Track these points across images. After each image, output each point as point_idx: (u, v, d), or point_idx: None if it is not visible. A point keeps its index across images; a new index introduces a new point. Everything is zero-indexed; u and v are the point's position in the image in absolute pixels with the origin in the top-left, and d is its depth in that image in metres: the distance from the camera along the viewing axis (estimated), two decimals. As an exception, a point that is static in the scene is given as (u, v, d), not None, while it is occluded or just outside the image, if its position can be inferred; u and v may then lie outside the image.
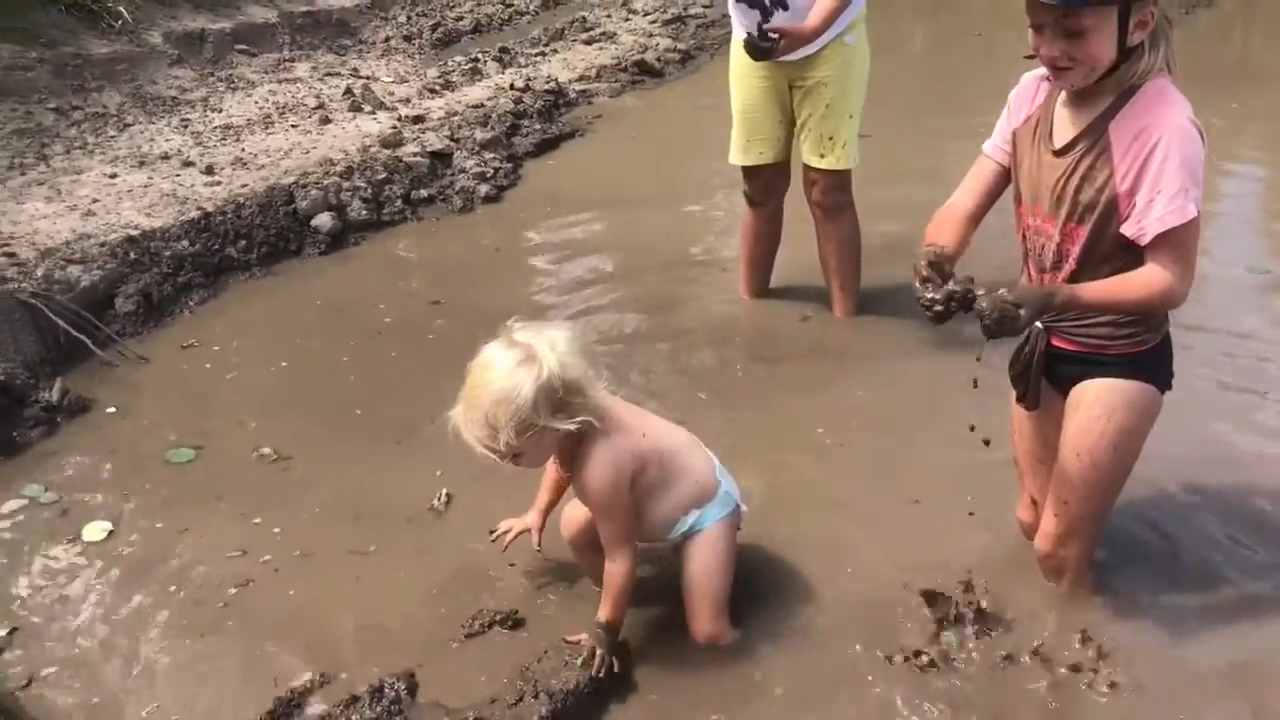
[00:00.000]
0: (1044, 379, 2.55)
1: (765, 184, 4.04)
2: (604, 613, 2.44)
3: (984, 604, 2.55)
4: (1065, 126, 2.33)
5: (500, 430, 2.25)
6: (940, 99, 6.80)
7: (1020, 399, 2.61)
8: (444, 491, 3.04)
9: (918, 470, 3.14)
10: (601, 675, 2.40)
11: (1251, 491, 3.04)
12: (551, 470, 2.66)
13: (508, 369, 2.26)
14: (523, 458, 2.36)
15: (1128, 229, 2.23)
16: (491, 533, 2.77)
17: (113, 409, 3.60)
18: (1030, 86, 2.45)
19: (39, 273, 3.94)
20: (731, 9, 3.80)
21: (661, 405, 3.38)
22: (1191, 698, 2.37)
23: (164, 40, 6.23)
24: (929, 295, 2.17)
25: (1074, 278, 2.35)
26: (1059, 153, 2.33)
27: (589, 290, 4.40)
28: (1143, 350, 2.39)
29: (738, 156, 4.01)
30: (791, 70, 3.75)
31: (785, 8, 3.62)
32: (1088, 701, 2.37)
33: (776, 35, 3.49)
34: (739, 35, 3.76)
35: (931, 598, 2.59)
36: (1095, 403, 2.42)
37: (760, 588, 2.69)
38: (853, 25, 3.72)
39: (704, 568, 2.52)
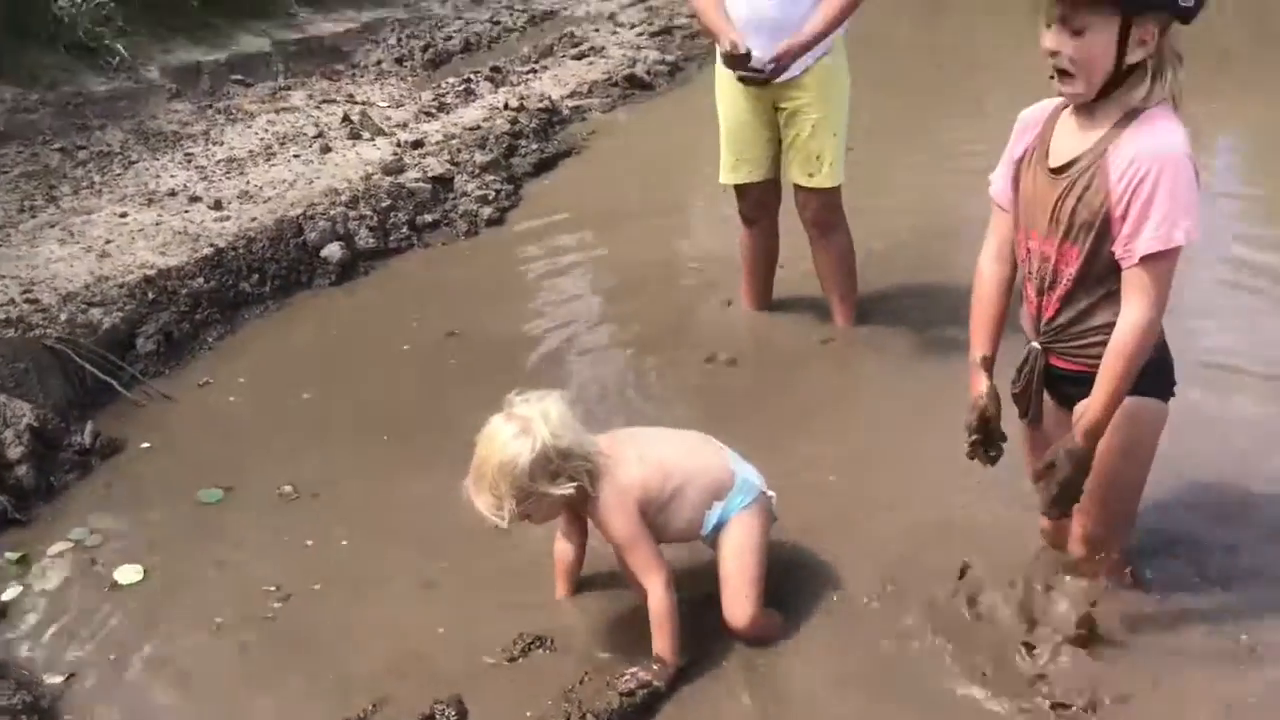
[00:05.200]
0: (1051, 396, 2.67)
1: (756, 201, 4.15)
2: (658, 647, 2.57)
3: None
4: (1065, 147, 2.45)
5: (504, 499, 2.46)
6: (916, 111, 6.93)
7: (1023, 416, 2.74)
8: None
9: (928, 468, 3.26)
10: (640, 698, 2.53)
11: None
12: (561, 561, 2.84)
13: (505, 442, 2.47)
14: (531, 518, 2.56)
15: (1116, 249, 2.35)
16: None
17: (145, 445, 3.70)
18: (1031, 118, 2.56)
19: (63, 317, 4.04)
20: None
21: (668, 423, 3.51)
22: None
23: (161, 75, 6.32)
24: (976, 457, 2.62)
25: (1069, 297, 2.48)
26: (1057, 171, 2.44)
27: (595, 311, 4.52)
28: (1144, 363, 2.51)
29: (727, 176, 4.12)
30: (776, 92, 3.85)
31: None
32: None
33: (769, 64, 3.60)
34: (723, 73, 3.88)
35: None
36: (1098, 421, 2.53)
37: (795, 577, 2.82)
38: (834, 47, 3.83)
39: (734, 552, 2.66)
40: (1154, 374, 2.52)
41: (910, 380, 3.83)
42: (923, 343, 4.03)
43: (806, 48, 3.66)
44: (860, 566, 2.89)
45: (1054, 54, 2.33)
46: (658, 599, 2.56)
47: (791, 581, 2.83)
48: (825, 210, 4.02)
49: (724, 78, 3.93)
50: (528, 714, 2.51)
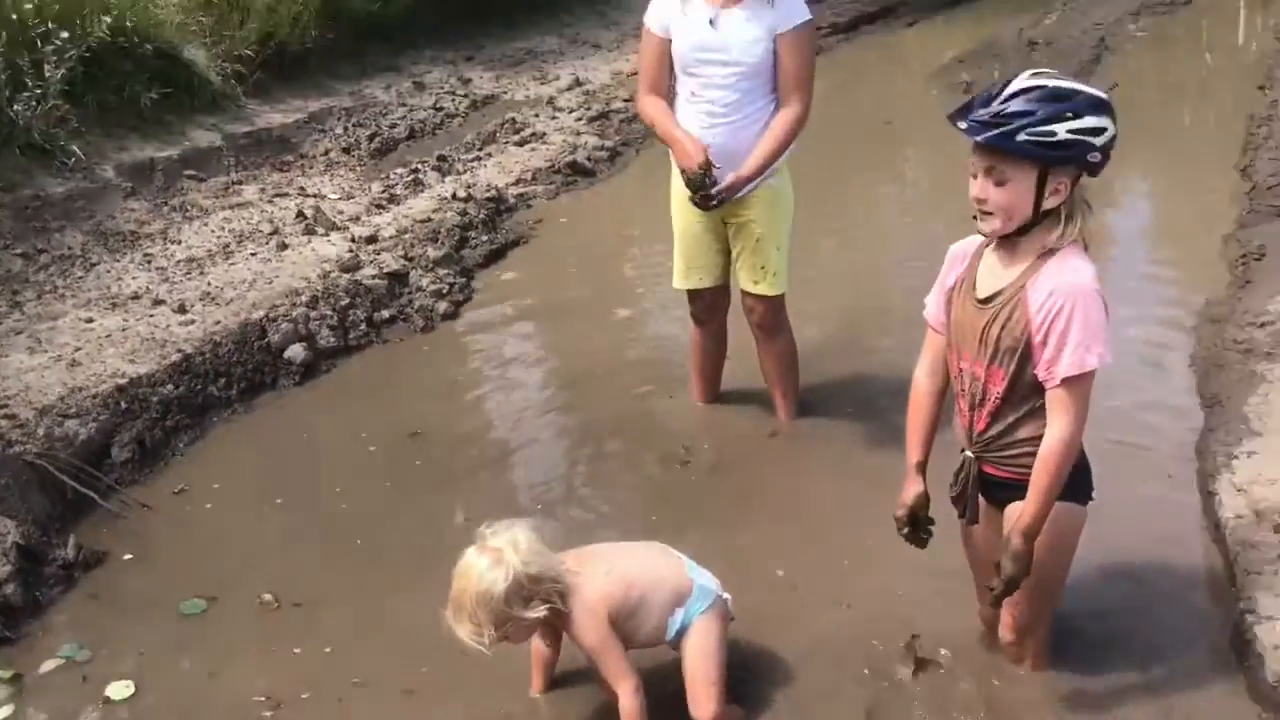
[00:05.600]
0: (985, 499, 2.98)
1: (707, 304, 4.43)
2: None
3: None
4: (990, 280, 2.78)
5: (484, 626, 2.70)
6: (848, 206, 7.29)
7: (961, 517, 3.05)
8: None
9: (872, 555, 3.55)
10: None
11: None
12: (537, 655, 3.08)
13: (480, 574, 2.71)
14: (510, 639, 2.80)
15: (1039, 372, 2.67)
16: None
17: (127, 557, 3.86)
18: (959, 251, 2.90)
19: (40, 431, 4.19)
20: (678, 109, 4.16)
21: (628, 520, 3.87)
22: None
23: (116, 173, 6.47)
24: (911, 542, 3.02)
25: (997, 412, 2.80)
26: (983, 301, 2.77)
27: (550, 407, 4.76)
28: (1060, 471, 2.82)
29: (680, 281, 4.40)
30: (725, 208, 4.13)
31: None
32: None
33: (719, 192, 3.90)
34: (677, 173, 4.17)
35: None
36: (1024, 523, 2.84)
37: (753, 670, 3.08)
38: (779, 170, 4.13)
39: (696, 654, 2.91)
40: (1077, 481, 2.84)
41: (851, 472, 4.11)
42: (861, 434, 4.33)
43: (751, 180, 3.96)
44: (812, 656, 3.17)
45: (980, 200, 2.67)
46: (627, 703, 2.81)
47: (750, 676, 3.09)
48: (770, 314, 4.31)
49: (678, 190, 4.22)
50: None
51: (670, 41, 4.00)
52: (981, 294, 2.79)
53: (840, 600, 3.41)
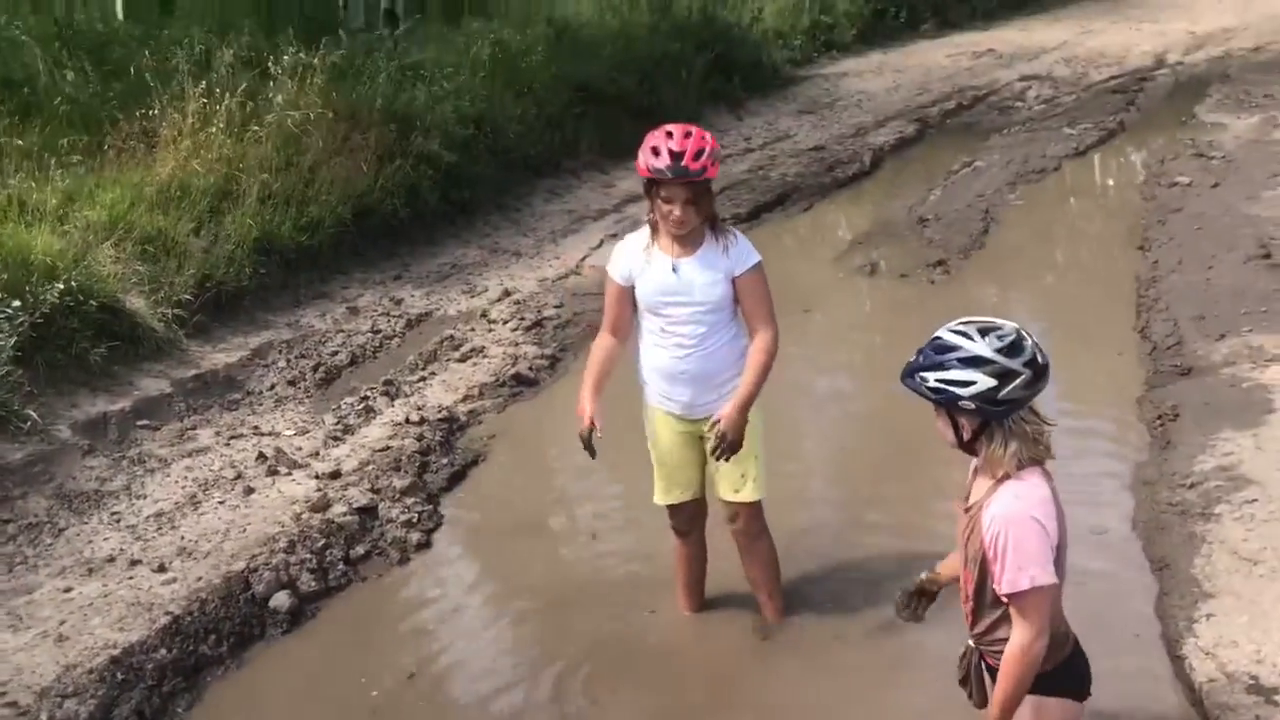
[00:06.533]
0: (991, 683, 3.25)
1: (688, 516, 4.68)
2: None
3: None
4: (974, 490, 3.15)
5: None
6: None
7: (970, 699, 3.36)
8: None
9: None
10: None
11: None
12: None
13: None
14: None
15: (995, 587, 3.01)
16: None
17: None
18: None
19: (43, 716, 4.19)
20: (646, 375, 4.49)
21: None
22: None
23: (71, 432, 6.53)
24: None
25: (974, 612, 3.16)
26: (966, 510, 3.11)
27: (537, 638, 4.88)
28: (1052, 669, 3.10)
29: (661, 498, 4.66)
30: (701, 426, 4.45)
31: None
32: None
33: (731, 440, 4.25)
34: (654, 402, 4.48)
35: None
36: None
37: None
38: (747, 384, 4.46)
39: None
40: (1073, 680, 3.14)
41: (843, 669, 4.34)
42: (844, 630, 4.56)
43: (746, 411, 4.27)
44: None
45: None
46: None
47: None
48: (750, 521, 4.57)
49: (654, 414, 4.52)
50: None
51: (633, 288, 4.36)
52: (967, 502, 3.14)
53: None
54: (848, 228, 11.24)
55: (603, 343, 4.49)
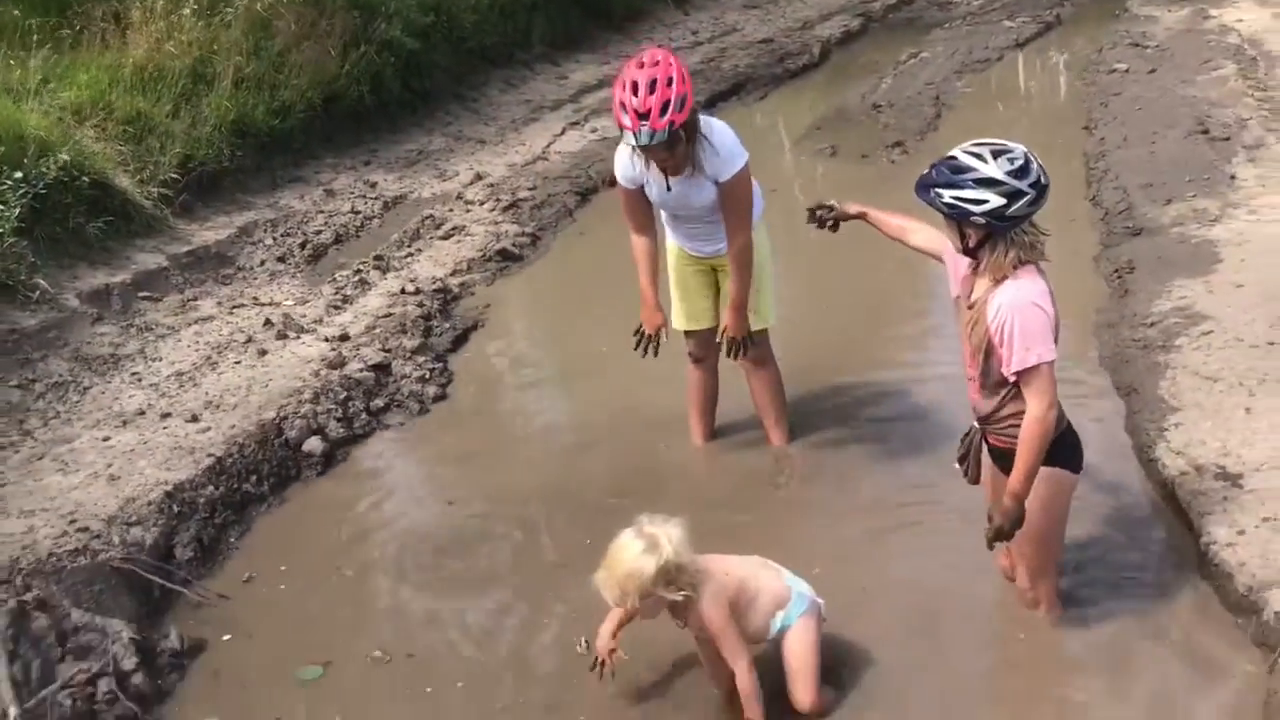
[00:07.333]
0: (994, 464, 3.73)
1: (703, 341, 5.05)
2: (750, 713, 3.36)
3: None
4: (975, 289, 3.55)
5: (629, 595, 3.25)
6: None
7: (964, 476, 3.84)
8: (583, 639, 3.83)
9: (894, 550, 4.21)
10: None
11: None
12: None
13: (636, 554, 3.26)
14: (640, 612, 3.37)
15: (1001, 368, 3.44)
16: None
17: (226, 638, 4.20)
18: (954, 265, 3.67)
19: (115, 539, 4.49)
20: (665, 223, 4.85)
21: None
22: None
23: (79, 301, 6.70)
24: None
25: (981, 395, 3.61)
26: (970, 305, 3.53)
27: (566, 472, 5.19)
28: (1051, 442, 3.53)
29: (680, 323, 5.04)
30: (715, 260, 4.84)
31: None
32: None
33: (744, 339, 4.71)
34: (673, 241, 4.86)
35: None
36: (1023, 484, 3.57)
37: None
38: (755, 225, 4.82)
39: (797, 652, 3.48)
40: (1066, 452, 3.59)
41: (848, 487, 4.79)
42: (845, 456, 5.01)
43: (743, 317, 4.70)
44: (877, 640, 3.79)
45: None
46: (744, 675, 3.37)
47: (836, 661, 3.68)
48: (757, 348, 4.96)
49: (672, 249, 4.92)
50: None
51: (642, 188, 4.68)
52: (969, 300, 3.56)
53: (884, 593, 4.06)
54: (804, 115, 11.56)
55: (638, 243, 4.82)
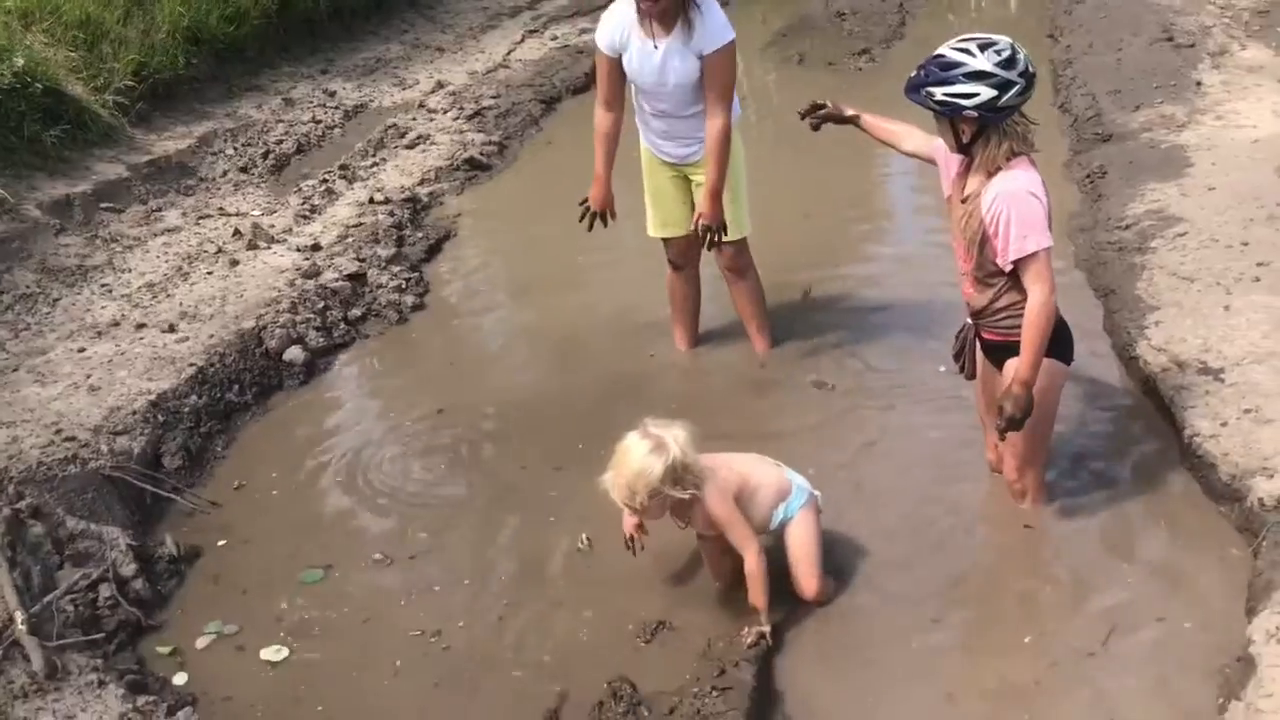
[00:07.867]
0: (986, 358, 3.80)
1: (681, 250, 5.02)
2: (755, 599, 3.43)
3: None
4: (969, 185, 3.58)
5: (637, 494, 3.30)
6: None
7: (960, 371, 3.94)
8: (584, 536, 3.88)
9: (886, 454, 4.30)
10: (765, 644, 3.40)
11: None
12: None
13: (643, 454, 3.30)
14: (646, 513, 3.43)
15: (997, 259, 3.49)
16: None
17: (221, 543, 4.20)
18: (946, 165, 3.70)
19: (104, 447, 4.44)
20: (639, 125, 4.80)
21: None
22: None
23: (40, 211, 6.53)
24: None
25: (975, 288, 3.67)
26: (963, 201, 3.57)
27: (549, 380, 5.20)
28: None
29: (655, 231, 5.00)
30: (688, 169, 4.80)
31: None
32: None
33: (716, 228, 4.64)
34: (646, 144, 4.83)
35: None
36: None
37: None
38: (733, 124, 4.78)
39: (800, 541, 3.56)
40: (1058, 343, 3.65)
41: (848, 385, 4.85)
42: (828, 359, 5.06)
43: (719, 193, 4.59)
44: (876, 536, 3.88)
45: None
46: (753, 560, 3.43)
47: (834, 553, 3.76)
48: (736, 257, 4.95)
49: (646, 155, 4.86)
50: (686, 676, 3.31)
51: (620, 60, 4.59)
52: (961, 196, 3.61)
53: (881, 495, 4.14)
54: (767, 23, 11.43)
55: (601, 120, 4.72)
